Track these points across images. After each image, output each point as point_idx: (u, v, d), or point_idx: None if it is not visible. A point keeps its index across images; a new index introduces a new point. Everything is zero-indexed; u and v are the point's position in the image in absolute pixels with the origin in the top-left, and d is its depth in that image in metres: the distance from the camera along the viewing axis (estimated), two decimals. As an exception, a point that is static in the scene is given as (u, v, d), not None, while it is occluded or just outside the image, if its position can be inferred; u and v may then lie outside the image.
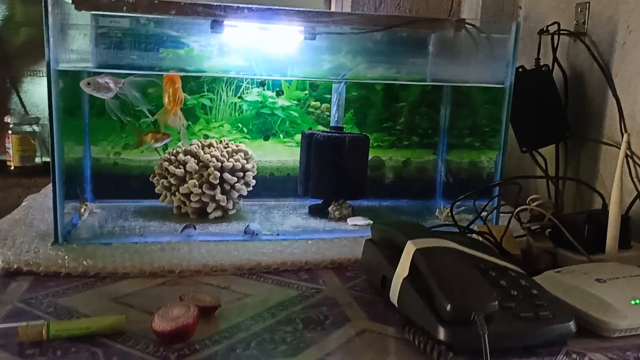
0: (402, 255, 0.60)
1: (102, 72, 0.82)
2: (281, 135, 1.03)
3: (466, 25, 0.98)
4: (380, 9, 1.20)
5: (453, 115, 1.06)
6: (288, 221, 0.91)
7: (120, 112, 0.84)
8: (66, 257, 0.69)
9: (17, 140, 1.10)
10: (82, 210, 0.90)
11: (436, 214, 0.97)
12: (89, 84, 0.78)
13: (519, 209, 0.77)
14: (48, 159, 1.20)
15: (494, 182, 0.88)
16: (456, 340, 0.51)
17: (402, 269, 0.60)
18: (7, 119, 1.10)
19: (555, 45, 0.97)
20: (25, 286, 0.65)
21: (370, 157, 1.03)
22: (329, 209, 0.93)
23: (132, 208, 0.95)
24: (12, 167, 1.11)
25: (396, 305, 0.60)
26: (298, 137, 1.03)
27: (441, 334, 0.51)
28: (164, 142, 0.91)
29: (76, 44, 0.90)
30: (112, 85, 0.79)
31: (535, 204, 0.77)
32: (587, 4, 0.96)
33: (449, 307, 0.51)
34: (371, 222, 0.91)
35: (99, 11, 0.92)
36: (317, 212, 0.95)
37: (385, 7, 1.21)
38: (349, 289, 0.68)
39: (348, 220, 0.91)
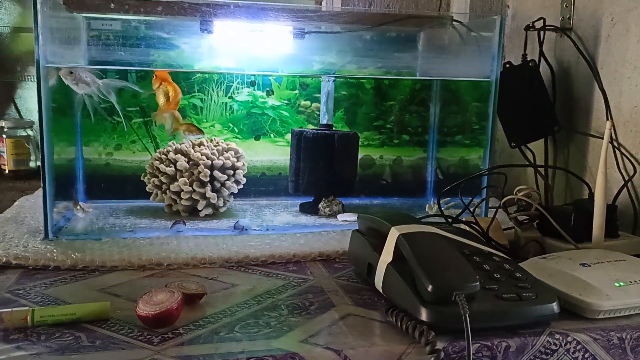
0: (387, 241, 0.61)
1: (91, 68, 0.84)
2: (272, 135, 1.04)
3: (453, 22, 0.99)
4: (370, 10, 1.22)
5: (443, 113, 1.07)
6: (278, 218, 0.92)
7: (95, 111, 0.86)
8: (55, 250, 0.70)
9: (12, 144, 1.11)
10: (77, 209, 0.91)
11: (426, 209, 0.98)
12: (71, 73, 0.79)
13: (505, 199, 0.78)
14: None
15: (480, 171, 0.88)
16: (438, 320, 0.51)
17: (387, 254, 0.60)
18: (2, 123, 1.11)
19: (542, 40, 0.98)
20: (14, 279, 0.65)
21: (360, 155, 1.04)
22: (319, 205, 0.93)
23: (124, 207, 0.96)
24: (7, 171, 1.12)
25: (381, 290, 0.60)
26: (289, 136, 1.04)
27: (423, 314, 0.52)
28: (195, 137, 0.92)
29: (68, 46, 0.92)
30: (90, 81, 0.80)
31: (521, 194, 0.77)
32: (572, 0, 0.97)
33: (430, 287, 0.52)
34: (361, 217, 0.92)
35: (89, 12, 0.95)
36: (307, 209, 0.95)
37: (374, 7, 1.22)
38: (336, 278, 0.69)
39: (338, 216, 0.92)
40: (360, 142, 1.05)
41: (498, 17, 0.85)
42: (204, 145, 0.93)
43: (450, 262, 0.55)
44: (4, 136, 1.11)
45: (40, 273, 0.67)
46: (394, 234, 0.60)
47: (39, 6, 0.72)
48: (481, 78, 0.89)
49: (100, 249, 0.72)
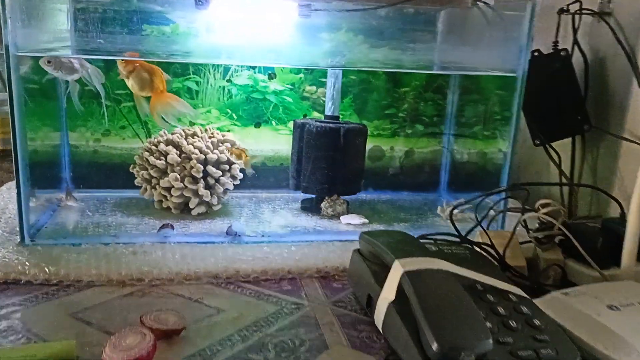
0: (389, 275, 0.54)
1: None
2: (274, 123, 0.96)
3: (478, 2, 0.89)
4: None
5: (461, 102, 0.98)
6: (277, 218, 0.85)
7: (79, 98, 0.78)
8: (27, 263, 0.64)
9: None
10: (68, 199, 0.85)
11: (438, 211, 0.90)
12: (49, 62, 0.72)
13: (525, 216, 0.70)
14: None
15: (500, 187, 0.80)
16: (442, 383, 0.45)
17: (389, 291, 0.53)
18: (-14, 100, 1.05)
19: (576, 26, 0.87)
20: (-21, 297, 0.60)
21: (369, 146, 0.96)
22: (322, 205, 0.86)
23: (112, 200, 0.90)
24: (-4, 150, 1.07)
25: (380, 330, 0.54)
26: (292, 124, 0.96)
27: (426, 375, 0.45)
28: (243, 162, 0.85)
29: (51, 22, 0.83)
30: (77, 66, 0.73)
31: (544, 210, 0.69)
32: (614, -19, 0.86)
33: (435, 346, 0.45)
34: (366, 221, 0.84)
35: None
36: (309, 207, 0.88)
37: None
38: (333, 304, 0.62)
39: (342, 218, 0.85)
40: (369, 132, 0.97)
41: (530, 3, 0.75)
42: (198, 136, 0.85)
43: (460, 312, 0.48)
44: (-10, 113, 1.05)
45: (11, 288, 0.62)
46: (397, 270, 0.53)
47: (6, -13, 0.64)
48: (506, 72, 0.80)
49: (77, 260, 0.66)
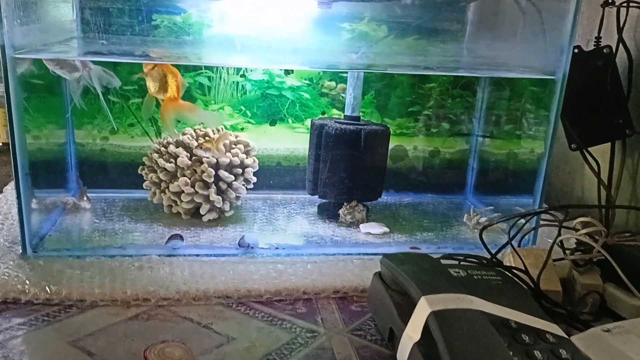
0: (415, 312, 0.49)
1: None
2: (290, 120, 0.90)
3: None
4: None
5: (492, 99, 0.91)
6: (292, 226, 0.80)
7: (82, 97, 0.74)
8: (27, 281, 0.60)
9: (3, 114, 1.00)
10: (84, 200, 0.82)
11: (464, 219, 0.84)
12: (51, 59, 0.67)
13: (561, 238, 0.64)
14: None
15: (534, 210, 0.74)
16: None
17: (414, 330, 0.48)
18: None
19: (623, 21, 0.80)
20: (-22, 318, 0.56)
21: (391, 146, 0.90)
22: (340, 212, 0.81)
23: (120, 201, 0.86)
24: (1, 144, 1.02)
25: (403, 371, 0.49)
26: (309, 121, 0.90)
27: None
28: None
29: (54, 15, 0.78)
30: (79, 64, 0.68)
31: (584, 231, 0.63)
32: (667, -30, 0.78)
33: (465, 403, 0.40)
34: (387, 230, 0.79)
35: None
36: (327, 212, 0.83)
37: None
38: (352, 332, 0.58)
39: (361, 226, 0.80)
40: (392, 131, 0.92)
41: (572, 2, 0.68)
42: (209, 137, 0.80)
43: (493, 363, 0.43)
44: (-5, 105, 1.00)
45: (10, 309, 0.58)
46: (424, 309, 0.48)
47: (-1, -16, 0.58)
48: (544, 74, 0.73)
49: (80, 277, 0.62)
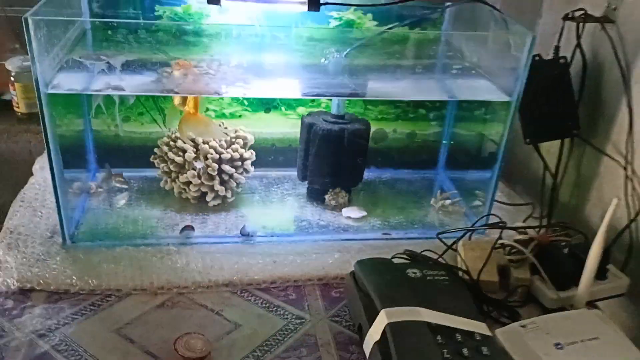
0: (376, 320, 0.65)
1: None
2: (283, 108, 1.01)
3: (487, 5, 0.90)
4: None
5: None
6: (284, 211, 0.95)
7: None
8: (74, 277, 0.75)
9: (22, 88, 1.09)
10: (117, 180, 0.95)
11: (431, 202, 0.99)
12: None
13: (499, 242, 0.80)
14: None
15: (477, 227, 0.88)
16: None
17: (375, 332, 0.65)
18: (9, 66, 1.08)
19: (580, 32, 0.89)
20: (38, 310, 0.72)
21: (373, 129, 1.02)
22: (326, 197, 0.95)
23: (134, 181, 0.98)
24: (20, 114, 1.13)
25: (367, 358, 0.66)
26: (300, 109, 1.01)
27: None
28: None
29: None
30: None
31: (518, 237, 0.79)
32: (624, -12, 0.86)
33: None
34: (365, 213, 0.94)
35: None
36: (314, 195, 0.97)
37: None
38: (331, 319, 0.74)
39: (343, 210, 0.94)
40: (374, 116, 1.04)
41: (529, 36, 0.77)
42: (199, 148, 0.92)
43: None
44: (13, 80, 1.09)
45: (62, 299, 0.74)
46: (383, 319, 0.64)
47: (32, 32, 0.67)
48: (502, 95, 0.84)
49: (115, 270, 0.78)
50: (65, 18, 0.85)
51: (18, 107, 1.13)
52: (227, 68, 0.84)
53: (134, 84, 0.79)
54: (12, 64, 1.09)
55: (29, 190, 0.94)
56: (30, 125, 1.14)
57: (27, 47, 0.68)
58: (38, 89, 0.71)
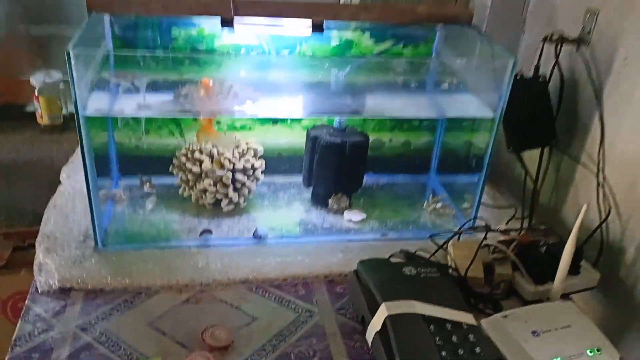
0: (378, 312, 0.75)
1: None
2: (288, 121, 1.11)
3: (473, 28, 0.99)
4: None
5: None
6: (291, 215, 1.04)
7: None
8: (108, 276, 0.85)
9: (45, 101, 1.18)
10: (147, 186, 1.05)
11: (424, 206, 1.09)
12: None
13: (482, 242, 0.90)
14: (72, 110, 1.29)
15: (462, 229, 0.98)
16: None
17: (377, 323, 0.75)
18: (33, 82, 1.17)
19: (558, 53, 0.99)
20: (78, 306, 0.81)
21: (372, 139, 1.12)
22: (329, 201, 1.05)
23: (155, 188, 1.08)
24: (43, 125, 1.22)
25: (369, 345, 0.76)
26: (305, 122, 1.11)
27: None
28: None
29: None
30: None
31: (501, 238, 0.89)
32: (596, 15, 0.96)
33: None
34: (364, 216, 1.04)
35: (112, 11, 0.96)
36: (318, 199, 1.07)
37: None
38: (337, 311, 0.84)
39: (345, 214, 1.04)
40: (372, 127, 1.13)
41: (511, 61, 0.87)
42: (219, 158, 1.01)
43: (422, 350, 0.70)
44: (37, 94, 1.18)
45: (99, 296, 0.84)
46: (383, 312, 0.74)
47: (73, 63, 0.76)
48: (487, 111, 0.94)
49: (144, 269, 0.87)
50: (101, 50, 0.93)
51: (42, 119, 1.22)
52: (238, 87, 0.93)
53: (158, 102, 0.89)
54: (36, 80, 1.18)
55: (59, 197, 1.03)
56: (52, 135, 1.23)
57: (68, 76, 0.77)
58: (77, 112, 0.80)
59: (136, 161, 1.09)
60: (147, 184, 1.05)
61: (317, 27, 1.00)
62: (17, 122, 1.24)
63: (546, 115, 1.01)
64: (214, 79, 0.93)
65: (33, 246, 0.91)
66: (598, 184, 0.95)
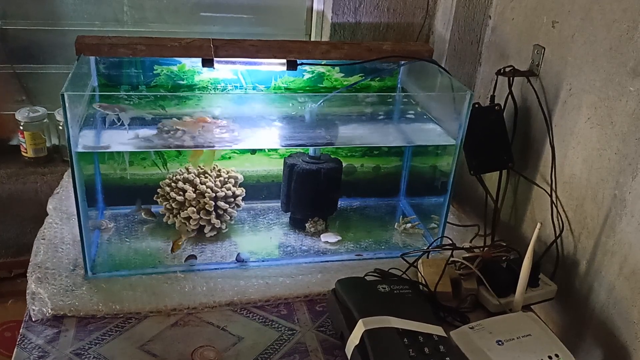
0: (355, 327, 0.81)
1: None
2: (266, 150, 1.17)
3: (434, 64, 1.08)
4: (360, 9, 1.27)
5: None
6: (271, 239, 1.10)
7: None
8: (100, 304, 0.89)
9: (30, 136, 1.22)
10: (145, 214, 1.10)
11: (395, 227, 1.17)
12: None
13: (450, 259, 0.98)
14: (56, 142, 1.33)
15: (431, 248, 1.07)
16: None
17: (355, 337, 0.81)
18: (18, 117, 1.21)
19: (511, 84, 1.09)
20: (72, 332, 0.86)
21: (344, 164, 1.19)
22: (306, 225, 1.12)
23: (137, 219, 1.12)
24: (27, 158, 1.25)
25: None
26: (281, 150, 1.18)
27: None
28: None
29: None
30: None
31: (466, 255, 0.97)
32: (543, 50, 1.06)
33: (381, 388, 0.74)
34: (340, 238, 1.11)
35: (100, 55, 1.02)
36: (296, 223, 1.14)
37: (364, 6, 1.27)
38: (317, 329, 0.90)
39: (321, 236, 1.11)
40: (344, 154, 1.21)
41: (468, 94, 0.96)
42: (208, 175, 1.07)
43: (397, 363, 0.77)
44: (22, 128, 1.22)
45: (91, 323, 0.88)
46: (361, 327, 0.80)
47: (67, 105, 0.82)
48: (449, 138, 1.02)
49: (133, 296, 0.92)
50: (88, 88, 0.99)
51: (26, 152, 1.26)
52: (225, 122, 1.00)
53: (142, 137, 0.94)
54: (21, 115, 1.22)
55: (48, 228, 1.07)
56: (36, 168, 1.27)
57: (62, 117, 0.83)
58: (70, 149, 0.85)
59: (120, 191, 1.14)
60: (145, 211, 1.10)
61: (291, 64, 1.08)
62: (1, 156, 1.27)
63: (502, 140, 1.11)
64: (208, 115, 1.00)
65: (20, 276, 0.95)
66: (552, 203, 1.04)
